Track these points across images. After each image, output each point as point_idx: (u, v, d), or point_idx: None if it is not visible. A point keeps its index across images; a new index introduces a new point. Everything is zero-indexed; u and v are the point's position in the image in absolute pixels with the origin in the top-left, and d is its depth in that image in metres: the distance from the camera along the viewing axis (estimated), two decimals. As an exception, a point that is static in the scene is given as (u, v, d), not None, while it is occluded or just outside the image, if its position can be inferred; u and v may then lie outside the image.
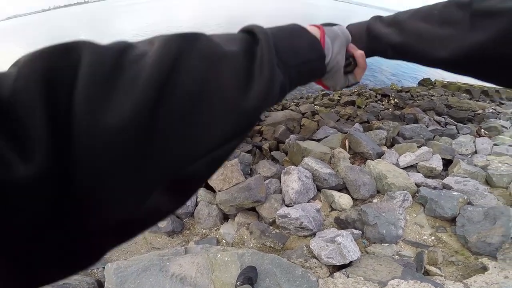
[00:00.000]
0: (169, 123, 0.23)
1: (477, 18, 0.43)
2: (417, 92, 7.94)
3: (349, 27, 0.64)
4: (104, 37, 21.51)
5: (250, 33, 0.34)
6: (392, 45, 0.55)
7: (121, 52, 0.24)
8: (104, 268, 1.97)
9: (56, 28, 39.10)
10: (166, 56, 0.24)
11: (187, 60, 0.25)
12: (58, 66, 0.21)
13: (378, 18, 0.61)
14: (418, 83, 9.47)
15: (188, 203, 2.68)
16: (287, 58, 0.35)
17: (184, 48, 0.26)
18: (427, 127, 5.01)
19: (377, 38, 0.58)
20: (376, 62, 10.73)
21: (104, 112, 0.20)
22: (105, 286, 1.81)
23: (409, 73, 10.82)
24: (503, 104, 7.51)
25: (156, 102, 0.22)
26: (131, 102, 0.21)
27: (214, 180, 2.86)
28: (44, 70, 0.20)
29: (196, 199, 2.82)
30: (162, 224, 2.46)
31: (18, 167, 0.17)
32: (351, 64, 0.51)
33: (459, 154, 3.86)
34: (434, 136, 4.60)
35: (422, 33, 0.50)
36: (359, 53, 0.50)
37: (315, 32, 0.43)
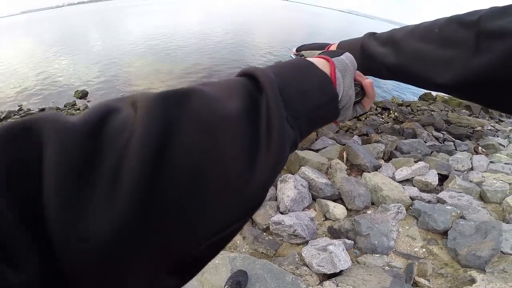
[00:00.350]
0: (164, 215, 0.20)
1: (484, 39, 0.38)
2: (418, 106, 8.00)
3: (342, 44, 0.63)
4: (113, 36, 21.95)
5: (252, 79, 0.31)
6: (388, 66, 0.52)
7: (96, 128, 0.20)
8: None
9: (67, 25, 40.45)
10: (154, 131, 0.20)
11: (179, 130, 0.22)
12: (18, 159, 0.18)
13: (372, 35, 0.58)
14: (419, 97, 9.53)
15: None
16: (296, 106, 0.32)
17: (175, 115, 0.22)
18: (425, 142, 5.03)
19: (371, 57, 0.55)
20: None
21: (82, 222, 0.17)
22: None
23: (410, 87, 10.95)
24: (502, 121, 7.52)
25: (147, 197, 0.19)
26: (115, 207, 0.18)
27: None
28: (3, 168, 0.17)
29: None
30: None
31: (9, 276, 0.16)
32: (359, 93, 0.47)
33: (455, 170, 3.86)
34: (432, 152, 4.62)
35: (420, 54, 0.46)
36: (368, 82, 0.48)
37: (324, 65, 0.40)
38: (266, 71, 0.31)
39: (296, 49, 0.77)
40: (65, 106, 8.23)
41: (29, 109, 8.27)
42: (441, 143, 5.26)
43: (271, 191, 3.04)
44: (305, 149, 4.31)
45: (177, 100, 0.23)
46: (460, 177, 3.44)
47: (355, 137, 4.98)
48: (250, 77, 0.31)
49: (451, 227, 2.45)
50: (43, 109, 7.98)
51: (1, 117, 7.55)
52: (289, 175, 3.10)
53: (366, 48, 0.57)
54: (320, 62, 0.40)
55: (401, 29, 0.53)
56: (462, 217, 2.59)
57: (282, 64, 0.38)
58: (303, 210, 2.82)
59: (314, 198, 3.03)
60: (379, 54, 0.54)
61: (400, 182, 3.39)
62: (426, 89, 0.51)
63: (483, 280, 1.90)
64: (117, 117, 0.22)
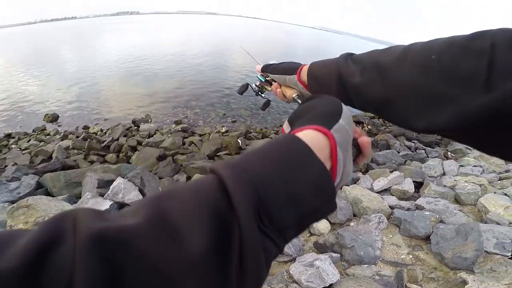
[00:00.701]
0: None
1: (498, 73, 0.30)
2: (388, 117, 8.38)
3: (315, 67, 0.55)
4: (87, 56, 21.18)
5: (223, 189, 0.25)
6: (370, 100, 0.44)
7: (31, 274, 0.18)
8: None
9: (39, 43, 38.89)
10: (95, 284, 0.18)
11: (125, 283, 0.19)
12: None
13: (349, 57, 0.50)
14: None
15: None
16: (282, 218, 0.26)
17: (119, 262, 0.20)
18: (399, 152, 5.27)
19: (352, 88, 0.46)
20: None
21: None
22: None
23: None
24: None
25: None
26: None
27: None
28: None
29: None
30: None
31: None
32: (353, 152, 0.42)
33: (429, 176, 4.07)
34: (406, 161, 4.85)
35: (414, 88, 0.37)
36: (365, 141, 0.43)
37: (320, 143, 0.33)
38: (242, 174, 0.26)
39: (262, 68, 0.71)
40: (33, 131, 7.83)
41: (-7, 134, 7.77)
42: (413, 152, 5.51)
43: None
44: None
45: (123, 241, 0.20)
46: (434, 183, 3.63)
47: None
48: (221, 185, 0.25)
49: (432, 232, 2.54)
50: (9, 134, 7.53)
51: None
52: None
53: (344, 75, 0.48)
54: (315, 138, 0.33)
55: (386, 52, 0.44)
56: (441, 221, 2.70)
57: (267, 149, 0.30)
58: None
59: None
60: (361, 85, 0.45)
61: (378, 192, 3.50)
62: (414, 130, 0.41)
63: (474, 281, 1.97)
64: (57, 257, 0.19)
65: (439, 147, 5.95)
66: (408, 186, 3.53)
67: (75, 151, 5.68)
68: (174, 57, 17.85)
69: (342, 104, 0.40)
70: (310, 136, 0.33)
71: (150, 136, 6.63)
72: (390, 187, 3.59)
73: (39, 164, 4.80)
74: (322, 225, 2.82)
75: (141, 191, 3.24)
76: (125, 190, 3.09)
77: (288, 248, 2.36)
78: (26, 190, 3.35)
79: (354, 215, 3.05)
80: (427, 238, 2.56)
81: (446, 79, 0.34)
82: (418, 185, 3.72)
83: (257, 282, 0.24)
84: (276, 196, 0.26)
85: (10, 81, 13.81)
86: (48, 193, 3.46)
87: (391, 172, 3.91)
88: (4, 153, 5.91)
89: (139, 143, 6.07)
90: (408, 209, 3.00)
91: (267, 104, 0.84)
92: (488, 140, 0.33)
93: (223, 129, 7.12)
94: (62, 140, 6.53)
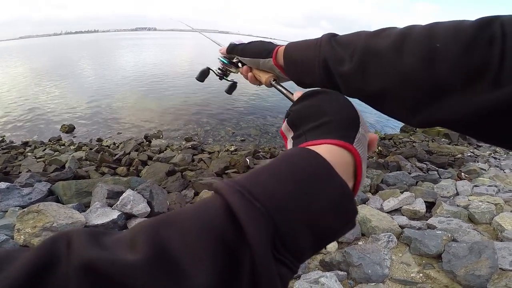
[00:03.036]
0: None
1: (509, 64, 0.27)
2: (400, 139, 8.28)
3: (292, 50, 0.50)
4: (105, 69, 21.85)
5: (232, 217, 0.23)
6: (363, 91, 0.40)
7: None
8: None
9: (62, 54, 41.40)
10: None
11: None
12: None
13: (333, 38, 0.44)
14: (400, 129, 9.83)
15: None
16: (298, 243, 0.24)
17: None
18: (410, 173, 5.17)
19: (341, 76, 0.42)
20: (360, 109, 11.23)
21: None
22: None
23: (391, 119, 11.26)
24: (480, 146, 7.88)
25: None
26: None
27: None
28: None
29: None
30: None
31: None
32: None
33: (441, 196, 3.97)
34: (417, 182, 4.75)
35: (413, 78, 0.34)
36: (374, 138, 0.39)
37: (346, 164, 0.30)
38: (253, 201, 0.23)
39: (228, 49, 0.64)
40: (49, 140, 8.07)
41: (12, 141, 8.04)
42: (425, 173, 5.40)
43: None
44: None
45: (116, 277, 0.19)
46: (447, 203, 3.54)
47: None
48: (228, 212, 0.23)
49: (443, 250, 2.47)
50: (26, 143, 7.79)
51: (-19, 149, 7.29)
52: None
53: (331, 60, 0.43)
54: (338, 155, 0.30)
55: (379, 36, 0.39)
56: (454, 240, 2.63)
57: (280, 167, 0.27)
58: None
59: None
60: (351, 73, 0.40)
61: (388, 212, 3.42)
62: (410, 123, 0.38)
63: (489, 298, 1.89)
64: (49, 283, 0.19)
65: (452, 168, 5.81)
66: (420, 206, 3.45)
67: (88, 162, 5.79)
68: (186, 74, 18.27)
69: (359, 113, 0.36)
70: (331, 153, 0.29)
71: (160, 151, 6.71)
72: (400, 207, 3.51)
73: (52, 172, 4.91)
74: (329, 244, 2.76)
75: (149, 203, 3.26)
76: (134, 201, 3.12)
77: (293, 265, 2.31)
78: (38, 196, 3.41)
79: (363, 235, 2.98)
80: (438, 257, 2.48)
81: (452, 70, 0.31)
82: (430, 205, 3.64)
83: None
84: (293, 222, 0.24)
85: (32, 91, 14.47)
86: (59, 201, 3.51)
87: (402, 192, 3.84)
88: (20, 160, 6.08)
89: (150, 158, 6.15)
90: (419, 229, 2.92)
91: (233, 86, 0.79)
92: (491, 132, 0.31)
93: (232, 148, 7.16)
94: (76, 151, 6.68)
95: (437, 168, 5.68)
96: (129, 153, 6.38)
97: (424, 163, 6.04)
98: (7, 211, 2.95)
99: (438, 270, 2.37)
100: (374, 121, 10.66)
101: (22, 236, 2.43)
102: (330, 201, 0.26)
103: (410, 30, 0.36)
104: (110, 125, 9.39)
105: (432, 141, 8.15)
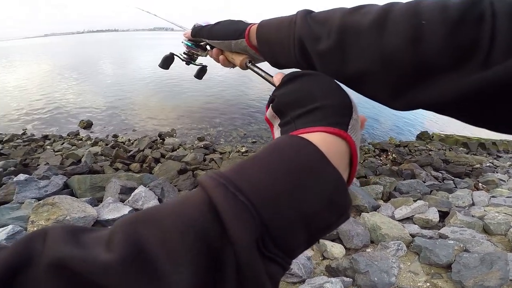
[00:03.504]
0: None
1: (499, 44, 0.26)
2: (415, 146, 8.07)
3: (265, 29, 0.46)
4: (124, 67, 22.45)
5: (213, 210, 0.21)
6: (342, 72, 0.37)
7: None
8: None
9: (83, 52, 43.38)
10: None
11: None
12: None
13: (309, 15, 0.41)
14: (416, 136, 9.55)
15: None
16: (289, 240, 0.23)
17: None
18: (424, 182, 5.05)
19: (318, 56, 0.39)
20: (375, 113, 10.88)
21: None
22: None
23: (407, 126, 10.82)
24: (500, 157, 7.61)
25: None
26: None
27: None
28: None
29: None
30: None
31: None
32: None
33: (456, 206, 3.86)
34: (431, 191, 4.64)
35: (396, 58, 0.32)
36: (363, 119, 0.38)
37: (341, 152, 0.29)
38: (238, 194, 0.22)
39: (193, 33, 0.59)
40: (68, 135, 8.34)
41: (33, 134, 8.37)
42: (440, 182, 5.27)
43: None
44: None
45: (85, 274, 0.18)
46: (462, 213, 3.45)
47: (354, 179, 5.00)
48: (211, 208, 0.22)
49: (454, 260, 2.41)
50: (46, 136, 8.08)
51: (4, 140, 7.61)
52: None
53: (307, 39, 0.39)
54: (332, 144, 0.28)
55: (358, 13, 0.36)
56: (466, 250, 2.56)
57: (268, 157, 0.26)
58: (300, 249, 2.76)
59: (311, 238, 2.97)
60: (329, 52, 0.37)
61: (400, 220, 3.36)
62: (393, 107, 0.36)
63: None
64: (23, 282, 0.18)
65: (469, 178, 5.64)
66: (433, 215, 3.37)
67: (103, 157, 5.94)
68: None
69: (351, 98, 0.34)
70: (325, 141, 0.28)
71: (173, 150, 6.80)
72: (412, 215, 3.44)
73: (68, 166, 5.07)
74: (336, 249, 2.72)
75: (160, 200, 3.31)
76: (145, 198, 3.18)
77: (298, 269, 2.29)
78: (54, 189, 3.52)
79: (372, 242, 2.93)
80: (448, 267, 2.42)
81: (439, 49, 0.29)
82: (444, 215, 3.55)
83: None
84: (283, 217, 0.22)
85: (54, 87, 15.05)
86: (73, 194, 3.61)
87: (415, 201, 3.75)
88: (39, 153, 6.31)
89: (163, 155, 6.25)
90: (431, 238, 2.85)
91: (202, 70, 0.73)
92: (480, 114, 0.29)
93: (243, 149, 7.17)
94: (92, 146, 6.86)
95: (453, 178, 5.53)
96: (143, 150, 6.50)
97: (440, 172, 5.89)
98: (23, 203, 3.04)
99: (446, 280, 2.31)
100: (389, 127, 10.44)
101: (35, 228, 2.40)
102: (323, 193, 0.24)
103: (391, 7, 0.34)
104: (126, 122, 9.61)
105: (450, 150, 7.91)
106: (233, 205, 0.21)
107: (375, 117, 10.86)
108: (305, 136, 0.28)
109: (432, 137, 9.31)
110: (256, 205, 0.22)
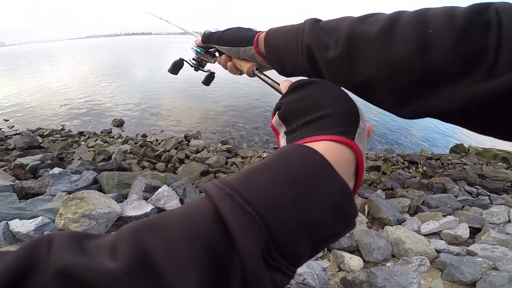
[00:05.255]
0: None
1: (505, 53, 0.26)
2: (448, 160, 7.63)
3: (273, 37, 0.47)
4: (156, 69, 23.44)
5: (220, 223, 0.21)
6: (350, 80, 0.37)
7: None
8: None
9: (119, 53, 47.68)
10: None
11: None
12: None
13: (316, 24, 0.41)
14: (450, 149, 9.00)
15: None
16: (294, 249, 0.23)
17: None
18: (456, 197, 4.76)
19: (326, 64, 0.39)
20: (406, 124, 10.49)
21: None
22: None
23: (441, 138, 10.30)
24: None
25: None
26: None
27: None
28: None
29: None
30: None
31: None
32: None
33: (490, 223, 3.60)
34: (463, 206, 4.35)
35: (404, 66, 0.32)
36: (370, 129, 0.38)
37: (347, 162, 0.29)
38: (244, 204, 0.22)
39: (203, 39, 0.61)
40: (101, 132, 8.85)
41: (70, 130, 9.00)
42: (474, 198, 4.94)
43: None
44: None
45: (91, 283, 0.18)
46: (495, 230, 3.22)
47: (379, 191, 4.87)
48: (217, 217, 0.22)
49: (480, 278, 2.26)
50: (81, 132, 8.61)
51: (44, 134, 8.23)
52: None
53: (315, 47, 0.39)
54: (339, 153, 0.28)
55: (366, 22, 0.36)
56: (495, 268, 2.40)
57: (274, 166, 0.26)
58: (315, 260, 2.70)
59: (329, 249, 2.90)
60: (337, 60, 0.37)
61: (426, 235, 3.20)
62: (399, 114, 0.36)
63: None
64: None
65: (507, 195, 5.24)
66: (462, 231, 3.17)
67: (131, 155, 6.20)
68: (226, 78, 18.80)
69: (357, 106, 0.34)
70: (331, 150, 0.28)
71: (197, 151, 6.96)
72: (440, 231, 3.26)
73: (99, 162, 5.34)
74: (354, 262, 2.64)
75: (181, 201, 3.33)
76: (167, 197, 3.22)
77: (312, 279, 2.23)
78: (84, 183, 3.70)
79: (393, 256, 2.81)
80: (472, 285, 2.27)
81: (447, 57, 0.29)
82: (475, 231, 3.33)
83: None
84: (289, 227, 0.22)
85: (92, 86, 16.18)
86: (101, 189, 3.76)
87: (444, 216, 3.55)
88: (74, 148, 6.73)
89: (187, 156, 6.42)
90: (458, 254, 2.70)
91: (210, 77, 0.74)
92: (487, 122, 0.29)
93: (265, 154, 7.16)
94: (122, 144, 7.20)
95: (489, 193, 5.16)
96: (169, 151, 6.71)
97: (475, 187, 5.52)
98: (55, 195, 3.21)
99: (467, 297, 2.16)
100: (421, 138, 9.97)
101: (62, 221, 2.55)
102: (329, 203, 0.24)
103: (399, 16, 0.34)
104: (155, 122, 10.01)
105: (487, 165, 7.37)
106: (240, 216, 0.21)
107: (405, 128, 10.49)
108: (311, 145, 0.28)
109: (468, 150, 8.73)
110: (262, 216, 0.22)
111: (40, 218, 2.49)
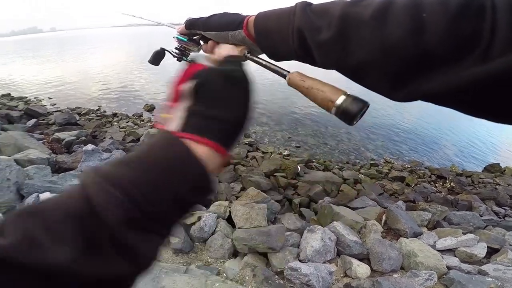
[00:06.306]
0: None
1: (499, 38, 0.26)
2: (480, 178, 7.21)
3: (263, 20, 0.46)
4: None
5: (90, 203, 0.26)
6: (342, 63, 0.38)
7: None
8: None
9: (155, 41, 48.33)
10: None
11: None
12: None
13: (308, 7, 0.41)
14: (484, 168, 8.47)
15: (206, 229, 2.80)
16: (163, 217, 0.29)
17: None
18: (481, 216, 4.53)
19: (318, 47, 0.39)
20: (439, 137, 10.11)
21: None
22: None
23: (476, 155, 9.70)
24: None
25: None
26: None
27: (238, 217, 2.98)
28: None
29: (215, 228, 2.91)
30: (174, 239, 2.57)
31: None
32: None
33: (510, 245, 3.41)
34: (486, 226, 4.15)
35: (399, 50, 0.32)
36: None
37: (215, 160, 0.33)
38: (110, 189, 0.27)
39: (187, 25, 0.58)
40: (133, 115, 9.30)
41: (105, 111, 9.61)
42: (500, 218, 4.68)
43: (295, 237, 2.99)
44: (341, 205, 4.20)
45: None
46: None
47: (400, 202, 4.79)
48: (88, 201, 0.26)
49: None
50: (115, 114, 9.11)
51: (82, 113, 8.82)
52: (319, 226, 3.05)
53: (307, 29, 0.39)
54: (211, 156, 0.33)
55: (359, 5, 0.36)
56: None
57: (143, 151, 0.31)
58: (323, 262, 2.72)
59: (338, 254, 2.92)
60: (329, 43, 0.37)
61: (440, 251, 3.11)
62: (393, 97, 0.36)
63: None
64: None
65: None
66: (479, 250, 3.08)
67: (158, 138, 6.48)
68: (254, 70, 18.90)
69: (251, 90, 0.37)
70: (207, 153, 0.32)
71: (221, 141, 7.11)
72: (456, 248, 3.16)
73: (128, 142, 5.64)
74: (361, 269, 2.63)
75: None
76: None
77: (317, 281, 2.27)
78: None
79: (402, 268, 2.77)
80: None
81: (441, 40, 0.29)
82: (492, 252, 3.21)
83: (143, 265, 0.28)
84: (154, 199, 0.28)
85: (129, 72, 17.17)
86: None
87: (464, 234, 3.42)
88: (107, 127, 7.15)
89: (210, 145, 6.58)
90: (468, 273, 2.62)
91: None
92: (481, 104, 0.30)
93: (286, 152, 7.16)
94: (151, 128, 7.54)
95: (517, 216, 4.86)
96: (194, 139, 6.91)
97: (503, 208, 5.24)
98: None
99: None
100: (454, 153, 9.46)
101: None
102: (188, 182, 0.30)
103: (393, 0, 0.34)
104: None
105: (523, 186, 6.90)
106: (104, 196, 0.26)
107: (438, 141, 10.07)
108: (192, 143, 0.32)
109: (504, 171, 8.15)
110: (128, 193, 0.27)
111: (67, 193, 2.66)
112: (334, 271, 2.60)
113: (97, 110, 9.68)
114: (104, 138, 5.92)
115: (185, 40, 0.61)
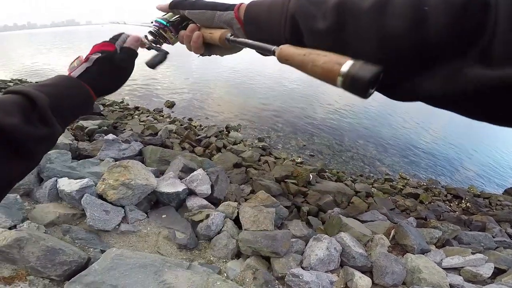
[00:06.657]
0: None
1: (500, 40, 0.26)
2: (499, 200, 6.98)
3: (254, 7, 0.46)
4: (209, 60, 24.51)
5: (26, 97, 0.42)
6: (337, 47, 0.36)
7: None
8: (100, 250, 2.13)
9: None
10: None
11: None
12: None
13: None
14: (505, 190, 8.17)
15: (213, 228, 2.83)
16: (62, 116, 0.48)
17: None
18: (494, 237, 4.40)
19: (312, 35, 0.39)
20: (459, 156, 9.86)
21: None
22: (93, 265, 1.84)
23: (498, 178, 9.33)
24: None
25: None
26: None
27: (246, 219, 3.03)
28: None
29: (221, 228, 2.95)
30: (181, 235, 2.64)
31: None
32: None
33: (519, 266, 3.32)
34: (497, 247, 4.03)
35: (399, 43, 0.31)
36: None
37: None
38: (40, 94, 0.43)
39: (172, 4, 0.56)
40: (153, 110, 9.61)
41: (127, 104, 10.00)
42: (512, 241, 4.52)
43: (300, 245, 3.00)
44: (351, 217, 4.19)
45: None
46: None
47: (411, 218, 4.72)
48: (24, 96, 0.42)
49: None
50: (137, 107, 9.43)
51: (106, 104, 9.18)
52: (325, 236, 3.06)
53: (301, 17, 0.39)
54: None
55: None
56: None
57: (56, 79, 0.52)
58: (325, 272, 2.74)
59: (342, 265, 2.92)
60: (325, 32, 0.36)
61: (446, 269, 3.08)
62: (390, 95, 0.35)
63: None
64: None
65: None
66: (486, 270, 3.03)
67: (175, 135, 6.64)
68: (273, 77, 18.69)
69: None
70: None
71: (235, 143, 7.23)
72: (462, 267, 3.13)
73: (146, 136, 5.81)
74: (363, 282, 2.64)
75: (212, 187, 3.41)
76: (200, 181, 3.29)
77: (317, 288, 2.30)
78: (130, 153, 3.98)
79: (404, 283, 2.77)
80: None
81: (443, 35, 0.28)
82: (499, 272, 3.15)
83: (52, 139, 0.46)
84: (51, 104, 0.44)
85: (152, 70, 17.49)
86: (143, 161, 3.99)
87: (473, 253, 3.36)
88: (128, 120, 7.43)
89: (225, 146, 6.68)
90: (470, 292, 2.58)
91: (163, 58, 0.61)
92: (482, 109, 0.29)
93: (299, 159, 7.15)
94: (169, 124, 7.75)
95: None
96: (209, 137, 7.06)
97: (519, 232, 5.04)
98: (103, 160, 3.43)
99: None
100: (475, 174, 9.13)
101: (103, 186, 2.64)
102: (79, 100, 0.52)
103: None
104: (202, 109, 10.58)
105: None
106: (38, 95, 0.44)
107: (459, 160, 9.80)
108: (83, 83, 0.55)
109: (527, 195, 7.85)
110: (34, 97, 0.43)
111: (86, 180, 2.63)
112: (335, 281, 2.62)
113: (121, 102, 10.04)
114: (124, 129, 6.13)
115: (165, 23, 0.58)
